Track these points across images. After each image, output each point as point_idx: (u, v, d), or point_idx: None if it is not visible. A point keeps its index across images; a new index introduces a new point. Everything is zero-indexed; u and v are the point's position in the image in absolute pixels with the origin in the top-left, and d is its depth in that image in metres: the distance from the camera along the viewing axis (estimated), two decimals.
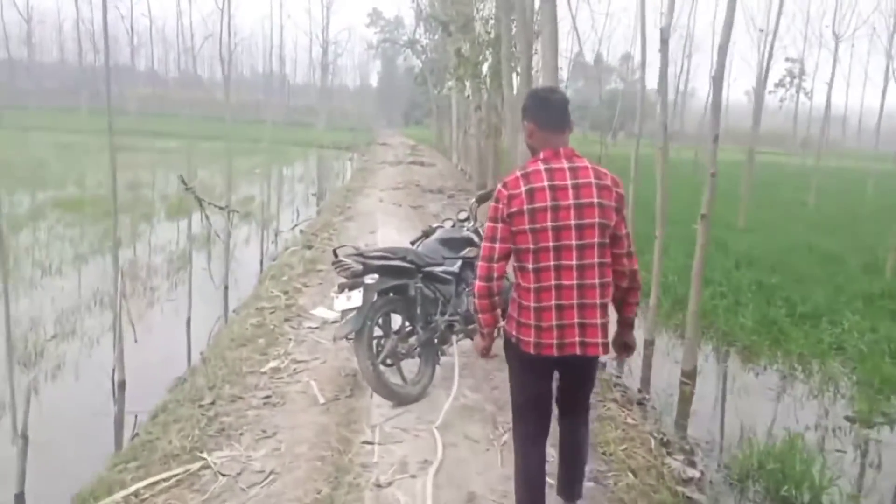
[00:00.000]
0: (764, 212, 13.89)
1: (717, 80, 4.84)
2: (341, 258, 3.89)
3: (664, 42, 5.40)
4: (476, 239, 4.68)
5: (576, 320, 2.42)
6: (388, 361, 4.00)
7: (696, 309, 4.99)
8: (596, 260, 2.42)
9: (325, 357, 4.74)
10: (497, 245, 2.47)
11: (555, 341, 2.43)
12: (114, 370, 4.67)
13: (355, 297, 3.81)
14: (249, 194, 14.89)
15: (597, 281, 2.43)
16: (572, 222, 2.40)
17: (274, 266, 7.74)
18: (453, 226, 4.93)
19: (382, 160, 26.03)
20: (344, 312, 3.85)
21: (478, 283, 2.54)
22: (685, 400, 4.95)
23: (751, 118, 16.07)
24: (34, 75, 52.56)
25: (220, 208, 7.39)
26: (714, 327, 6.47)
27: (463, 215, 5.01)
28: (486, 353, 2.72)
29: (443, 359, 4.33)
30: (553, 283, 2.41)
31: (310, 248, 8.36)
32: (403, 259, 4.07)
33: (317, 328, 5.37)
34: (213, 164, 21.76)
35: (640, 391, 5.11)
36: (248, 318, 5.52)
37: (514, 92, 12.13)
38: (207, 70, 76.19)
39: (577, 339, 2.43)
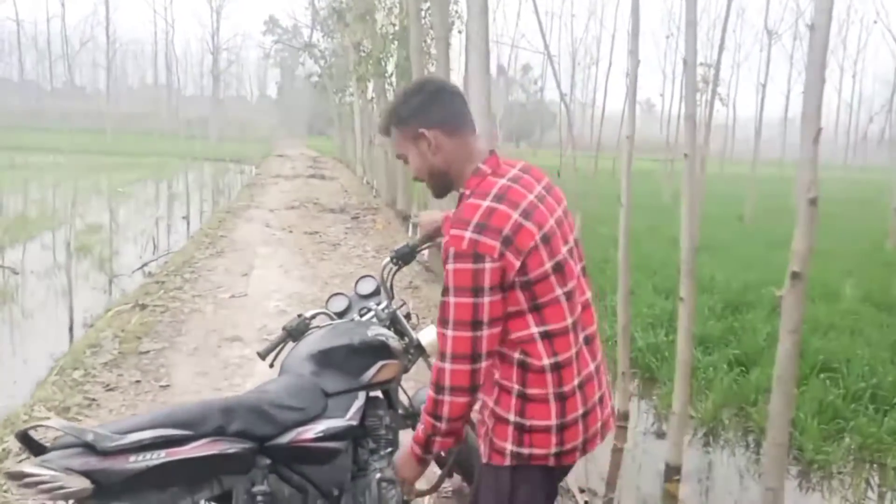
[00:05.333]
0: (705, 230, 12.20)
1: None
2: (32, 466, 1.43)
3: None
4: (394, 341, 2.32)
5: (596, 394, 1.60)
6: None
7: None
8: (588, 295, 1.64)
9: None
10: (485, 333, 1.45)
11: (580, 439, 1.55)
12: None
13: None
14: (98, 221, 11.83)
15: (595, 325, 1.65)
16: (565, 251, 1.55)
17: (77, 345, 5.04)
18: (347, 311, 2.55)
19: (277, 174, 23.15)
20: None
21: (453, 398, 1.48)
22: None
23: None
24: None
25: None
26: (742, 416, 4.42)
27: (367, 286, 2.64)
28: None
29: None
30: (573, 350, 1.52)
31: (143, 307, 5.70)
32: (219, 433, 1.65)
33: None
34: (72, 181, 18.32)
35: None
36: None
37: None
38: (89, 79, 70.08)
39: (599, 422, 1.60)
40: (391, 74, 13.77)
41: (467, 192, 1.54)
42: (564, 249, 1.55)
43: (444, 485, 2.76)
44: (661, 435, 4.26)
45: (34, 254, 9.15)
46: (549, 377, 1.49)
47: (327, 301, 2.61)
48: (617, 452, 3.98)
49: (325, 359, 2.15)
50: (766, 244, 10.62)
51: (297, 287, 6.78)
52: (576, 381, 1.52)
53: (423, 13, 10.99)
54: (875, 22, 20.11)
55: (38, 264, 8.39)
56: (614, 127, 23.67)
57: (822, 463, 3.80)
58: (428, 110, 1.58)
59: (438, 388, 1.50)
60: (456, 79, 13.60)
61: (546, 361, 1.49)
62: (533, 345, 1.49)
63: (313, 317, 2.44)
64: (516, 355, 1.51)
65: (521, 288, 1.46)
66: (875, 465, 3.88)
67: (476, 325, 1.44)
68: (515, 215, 1.46)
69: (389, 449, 2.25)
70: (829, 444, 3.92)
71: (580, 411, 1.53)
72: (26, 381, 4.61)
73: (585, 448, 1.58)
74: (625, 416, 4.33)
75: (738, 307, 6.45)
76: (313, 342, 2.23)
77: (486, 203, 1.47)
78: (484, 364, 1.48)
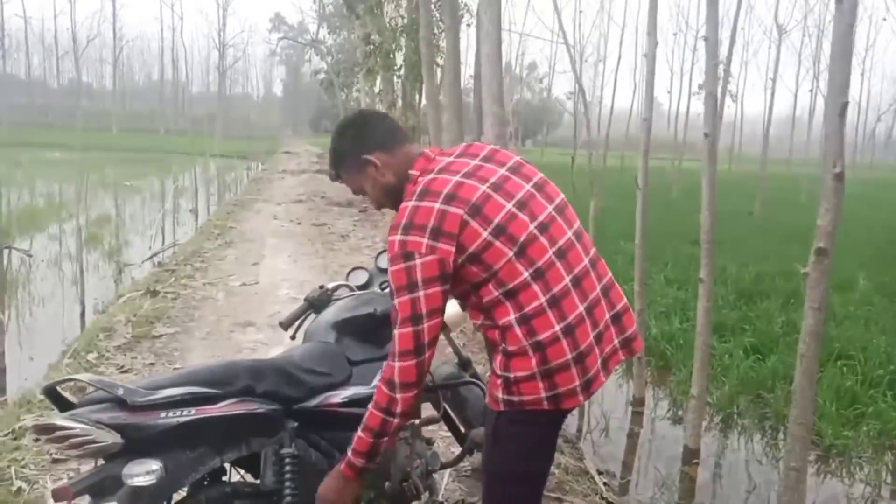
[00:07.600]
0: (717, 224, 12.08)
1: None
2: (62, 420, 1.41)
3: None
4: None
5: (591, 335, 1.55)
6: None
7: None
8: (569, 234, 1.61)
9: None
10: (425, 325, 1.52)
11: (577, 382, 1.52)
12: None
13: None
14: (106, 214, 11.86)
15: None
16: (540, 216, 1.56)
17: (90, 329, 5.04)
18: (367, 285, 2.53)
19: (284, 169, 23.19)
20: None
21: (403, 394, 1.53)
22: None
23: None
24: None
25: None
26: (759, 403, 4.39)
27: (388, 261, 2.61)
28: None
29: None
30: (543, 300, 1.50)
31: (154, 293, 5.69)
32: (248, 393, 1.64)
33: None
34: (79, 176, 18.34)
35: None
36: None
37: (438, 83, 9.91)
38: (95, 76, 70.20)
39: (599, 361, 1.56)
40: (400, 68, 13.74)
41: (404, 200, 1.59)
42: (540, 215, 1.57)
43: (463, 462, 2.74)
44: (676, 420, 4.24)
45: (44, 243, 9.16)
46: (518, 331, 1.50)
47: (348, 274, 2.58)
48: (633, 436, 3.96)
49: (349, 328, 2.12)
50: (777, 238, 10.57)
51: (307, 276, 6.76)
52: (557, 328, 1.50)
53: (432, 4, 10.97)
54: (884, 19, 20.00)
55: (48, 253, 8.40)
56: (621, 125, 23.59)
57: (842, 448, 3.76)
58: (363, 138, 1.67)
59: (390, 384, 1.54)
60: (465, 73, 13.58)
61: (512, 317, 1.51)
62: (501, 306, 1.52)
63: (335, 289, 2.42)
64: (493, 319, 1.54)
65: (470, 262, 1.51)
66: (895, 451, 3.85)
67: (416, 318, 1.50)
68: (438, 205, 1.50)
69: (413, 420, 2.22)
70: (847, 429, 3.88)
71: (570, 356, 1.50)
72: (39, 363, 4.60)
73: (590, 388, 1.56)
74: (641, 402, 4.31)
75: (752, 297, 6.41)
76: (337, 311, 2.20)
77: (411, 203, 1.53)
78: (428, 355, 1.53)
